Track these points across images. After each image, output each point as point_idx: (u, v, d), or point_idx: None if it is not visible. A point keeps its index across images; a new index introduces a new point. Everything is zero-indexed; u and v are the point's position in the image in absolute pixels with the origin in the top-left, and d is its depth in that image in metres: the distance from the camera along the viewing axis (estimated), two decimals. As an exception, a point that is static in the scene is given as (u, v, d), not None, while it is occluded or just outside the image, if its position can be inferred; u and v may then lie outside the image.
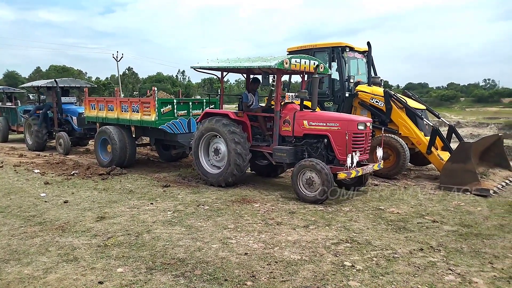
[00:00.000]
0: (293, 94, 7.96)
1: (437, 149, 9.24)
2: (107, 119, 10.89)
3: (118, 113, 10.53)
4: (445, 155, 9.07)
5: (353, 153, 6.89)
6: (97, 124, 11.44)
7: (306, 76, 8.25)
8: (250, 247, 4.93)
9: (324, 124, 7.31)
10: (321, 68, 8.08)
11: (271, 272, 4.21)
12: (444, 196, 7.64)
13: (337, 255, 4.66)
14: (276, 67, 7.18)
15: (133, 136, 10.51)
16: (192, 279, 4.04)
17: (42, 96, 15.39)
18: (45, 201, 7.20)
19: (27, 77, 76.09)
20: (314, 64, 7.98)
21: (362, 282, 3.97)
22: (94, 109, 11.40)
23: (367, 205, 6.94)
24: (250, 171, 9.52)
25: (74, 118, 13.98)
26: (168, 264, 4.43)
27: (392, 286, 3.90)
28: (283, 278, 4.07)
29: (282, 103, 7.96)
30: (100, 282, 3.97)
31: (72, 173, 9.81)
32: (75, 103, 15.23)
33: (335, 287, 3.86)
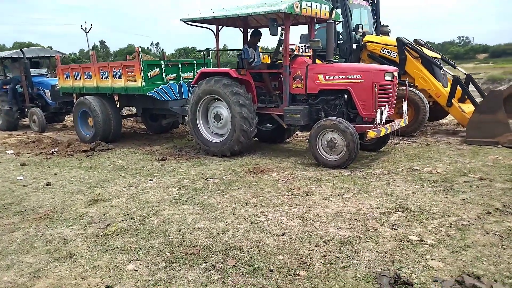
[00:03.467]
0: (304, 44, 6.90)
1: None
2: (85, 89, 9.59)
3: (97, 80, 9.24)
4: (466, 107, 8.31)
5: (382, 108, 5.99)
6: (74, 95, 10.10)
7: (316, 23, 7.16)
8: (285, 224, 4.05)
9: (344, 77, 6.33)
10: (333, 15, 7.01)
11: (323, 256, 3.34)
12: (475, 150, 6.91)
13: (395, 228, 3.83)
14: (286, 11, 6.08)
15: (117, 106, 9.28)
16: (227, 273, 3.14)
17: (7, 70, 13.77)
18: (23, 185, 6.10)
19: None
20: (326, 9, 6.89)
21: (445, 261, 3.15)
22: (69, 78, 10.04)
23: (398, 166, 6.14)
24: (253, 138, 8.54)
25: (47, 91, 12.50)
26: (191, 254, 3.50)
27: (484, 263, 3.11)
28: (342, 263, 3.21)
29: (290, 57, 6.91)
30: (109, 287, 3.02)
31: (51, 152, 8.62)
32: (46, 75, 13.69)
33: (414, 271, 3.03)
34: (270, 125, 8.48)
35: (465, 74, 8.86)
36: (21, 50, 12.77)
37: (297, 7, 6.24)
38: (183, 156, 7.65)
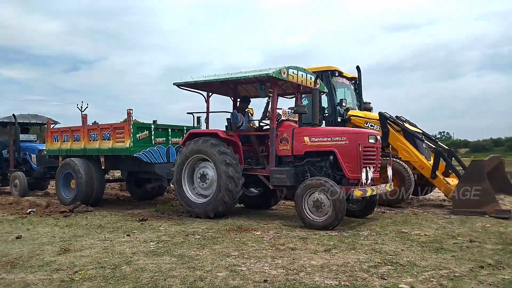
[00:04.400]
0: (290, 109, 7.16)
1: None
2: (72, 151, 9.53)
3: (85, 142, 9.24)
4: (450, 181, 8.39)
5: (367, 168, 6.02)
6: (60, 158, 10.01)
7: (302, 89, 7.51)
8: (268, 273, 3.78)
9: (329, 139, 6.46)
10: (318, 83, 7.41)
11: (308, 300, 3.08)
12: (463, 219, 6.82)
13: (385, 278, 3.60)
14: (273, 75, 6.41)
15: (103, 168, 9.17)
16: (201, 314, 2.84)
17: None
18: (-10, 238, 5.72)
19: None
20: (311, 78, 7.30)
21: (438, 306, 2.92)
22: (57, 141, 10.05)
23: (386, 229, 5.97)
24: (238, 205, 8.35)
25: (33, 156, 12.36)
26: (163, 297, 3.19)
27: (479, 308, 2.88)
28: (328, 306, 2.95)
29: (277, 120, 7.11)
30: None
31: (28, 212, 8.26)
32: (36, 140, 13.69)
33: (406, 314, 2.78)
34: (256, 191, 8.40)
35: (447, 148, 9.13)
36: (13, 115, 12.93)
37: (284, 73, 6.60)
38: (164, 217, 7.38)
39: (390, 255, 4.45)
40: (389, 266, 3.99)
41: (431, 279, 3.57)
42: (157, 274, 3.81)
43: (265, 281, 3.55)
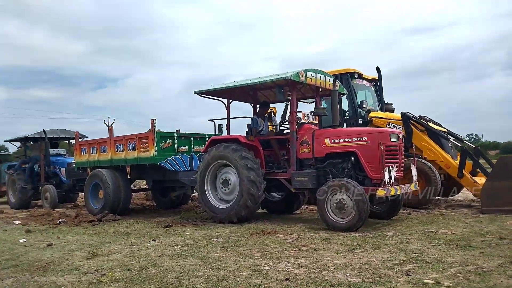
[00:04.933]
0: (310, 112, 7.17)
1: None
2: (100, 162, 9.84)
3: (112, 153, 9.53)
4: (478, 180, 8.14)
5: (390, 167, 5.94)
6: (88, 169, 10.34)
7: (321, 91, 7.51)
8: (290, 272, 3.79)
9: (350, 140, 6.42)
10: (337, 85, 7.40)
11: (330, 296, 3.06)
12: (492, 218, 6.60)
13: (409, 274, 3.54)
14: (292, 78, 6.46)
15: (129, 177, 9.41)
16: (224, 310, 2.87)
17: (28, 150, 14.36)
18: (24, 245, 5.96)
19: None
20: (330, 81, 7.30)
21: (464, 299, 2.85)
22: (85, 153, 10.40)
23: (411, 229, 5.85)
24: (260, 210, 8.38)
25: (63, 169, 12.82)
26: (187, 295, 3.25)
27: (508, 301, 2.79)
28: (350, 301, 2.93)
29: (297, 123, 7.13)
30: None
31: (58, 222, 8.55)
32: (64, 154, 14.19)
33: (431, 307, 2.73)
34: (278, 195, 8.40)
35: (473, 147, 8.87)
36: (43, 131, 13.46)
37: (302, 75, 6.64)
38: (189, 224, 7.48)
39: (416, 253, 4.36)
40: (414, 264, 3.92)
41: (458, 274, 3.48)
42: (181, 275, 3.88)
43: (288, 279, 3.55)
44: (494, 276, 3.38)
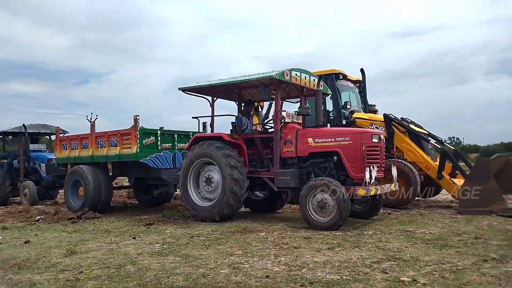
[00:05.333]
0: (294, 112, 7.20)
1: None
2: (80, 158, 9.67)
3: (93, 150, 9.38)
4: (457, 181, 8.32)
5: (371, 167, 6.02)
6: (69, 166, 10.15)
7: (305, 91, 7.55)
8: (270, 270, 3.80)
9: (333, 139, 6.48)
10: (321, 85, 7.45)
11: (308, 293, 3.09)
12: (469, 218, 6.76)
13: (387, 272, 3.60)
14: (276, 77, 6.48)
15: (110, 174, 9.27)
16: (202, 307, 2.87)
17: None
18: (0, 243, 5.81)
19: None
20: (314, 80, 7.35)
21: (438, 296, 2.91)
22: (66, 149, 10.21)
23: (391, 228, 5.95)
24: (243, 209, 8.38)
25: (43, 165, 12.54)
26: (165, 293, 3.23)
27: (481, 298, 2.87)
28: (328, 298, 2.96)
29: (281, 123, 7.15)
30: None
31: (36, 219, 8.38)
32: (45, 150, 13.89)
33: (406, 304, 2.78)
34: (262, 194, 8.41)
35: (453, 149, 9.07)
36: (23, 125, 13.15)
37: (287, 75, 6.66)
38: (171, 222, 7.43)
39: (394, 251, 4.44)
40: (391, 262, 3.99)
41: (434, 272, 3.56)
42: (160, 272, 3.85)
43: (267, 276, 3.57)
44: (468, 274, 3.46)
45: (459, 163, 8.67)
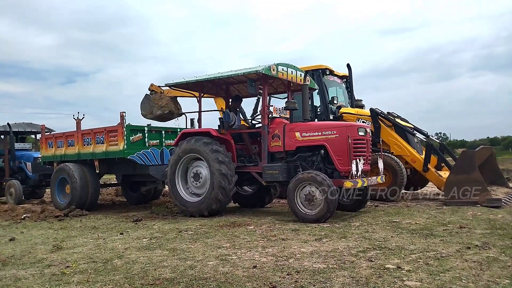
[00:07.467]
0: (281, 107, 7.23)
1: None
2: (67, 156, 9.56)
3: (80, 147, 9.28)
4: (442, 174, 8.45)
5: (357, 160, 6.08)
6: (55, 164, 10.02)
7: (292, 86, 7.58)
8: (257, 260, 3.82)
9: (320, 133, 6.53)
10: (308, 80, 7.49)
11: (295, 281, 3.12)
12: (454, 209, 6.86)
13: (372, 260, 3.65)
14: (263, 72, 6.49)
15: (97, 172, 9.18)
16: (189, 297, 2.87)
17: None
18: (-16, 241, 5.72)
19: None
20: (301, 75, 7.38)
21: (422, 281, 2.97)
22: (52, 147, 10.08)
23: (377, 219, 6.02)
24: (232, 204, 8.39)
25: (28, 164, 12.36)
26: (152, 284, 3.23)
27: (462, 281, 2.93)
28: (314, 286, 2.99)
29: (269, 118, 7.17)
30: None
31: (22, 217, 8.26)
32: (31, 149, 13.68)
33: (390, 289, 2.83)
34: (250, 189, 8.43)
35: (438, 142, 9.20)
36: (8, 124, 12.94)
37: (273, 69, 6.68)
38: (159, 217, 7.40)
39: (379, 241, 4.49)
40: (377, 251, 4.04)
41: (418, 260, 3.61)
42: (148, 265, 3.84)
43: (255, 267, 3.59)
44: (451, 260, 3.53)
45: (444, 157, 8.80)
